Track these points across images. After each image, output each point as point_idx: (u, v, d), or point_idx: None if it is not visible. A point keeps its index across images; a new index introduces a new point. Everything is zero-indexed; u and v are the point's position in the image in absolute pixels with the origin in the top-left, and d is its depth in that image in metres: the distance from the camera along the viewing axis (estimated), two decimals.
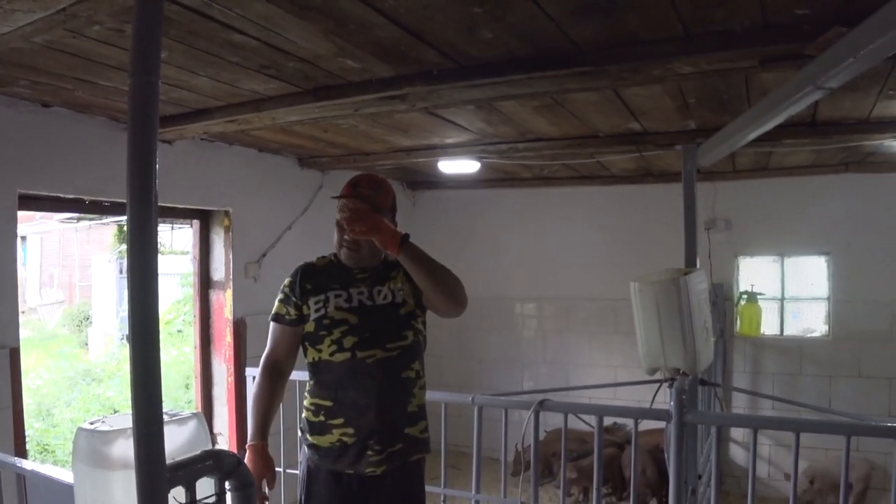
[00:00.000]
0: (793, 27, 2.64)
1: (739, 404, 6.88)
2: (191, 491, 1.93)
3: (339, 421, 2.74)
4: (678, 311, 3.66)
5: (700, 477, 4.72)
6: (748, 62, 2.89)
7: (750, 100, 3.83)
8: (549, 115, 4.24)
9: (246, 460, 2.63)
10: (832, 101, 3.94)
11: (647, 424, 5.40)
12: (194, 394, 5.65)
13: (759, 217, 6.74)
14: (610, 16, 2.59)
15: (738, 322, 6.82)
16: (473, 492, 4.19)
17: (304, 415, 2.89)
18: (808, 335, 6.92)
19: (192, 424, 2.07)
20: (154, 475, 1.63)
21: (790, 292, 6.98)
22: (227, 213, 5.32)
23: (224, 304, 5.36)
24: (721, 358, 6.61)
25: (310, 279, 2.89)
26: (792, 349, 6.75)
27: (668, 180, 6.52)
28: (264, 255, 5.63)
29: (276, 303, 2.90)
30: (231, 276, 5.33)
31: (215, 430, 5.44)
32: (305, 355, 2.88)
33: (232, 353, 5.32)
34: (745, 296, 6.77)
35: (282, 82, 3.48)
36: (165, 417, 1.69)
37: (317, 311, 2.81)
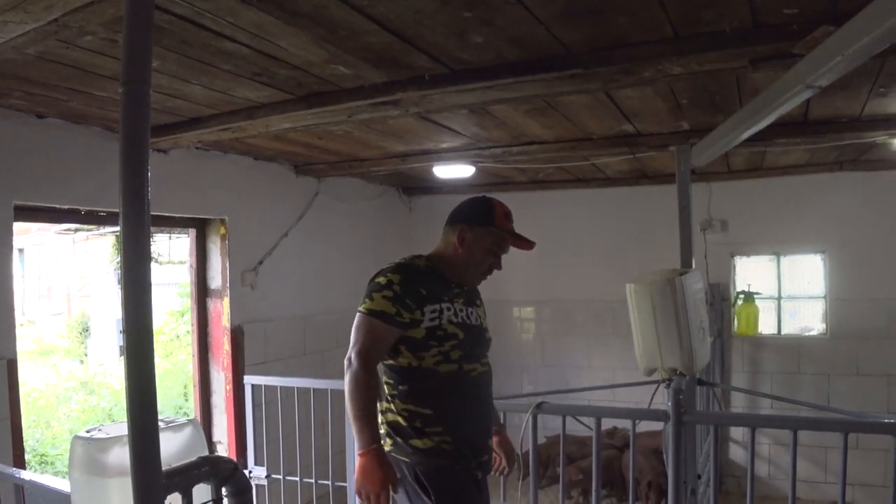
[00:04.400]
0: (781, 27, 2.66)
1: (738, 404, 6.89)
2: (187, 497, 1.94)
3: (438, 429, 2.71)
4: (674, 312, 3.69)
5: (700, 477, 4.72)
6: (738, 62, 2.90)
7: (742, 100, 3.85)
8: (542, 118, 4.25)
9: (364, 467, 2.54)
10: (824, 100, 3.95)
11: (646, 426, 5.43)
12: (193, 403, 5.65)
13: (755, 217, 6.76)
14: (599, 18, 2.60)
15: (736, 322, 6.83)
16: None
17: (389, 419, 2.78)
18: (806, 334, 6.93)
19: (187, 431, 2.08)
20: (150, 482, 1.64)
21: (787, 291, 6.99)
22: (223, 222, 5.34)
23: (221, 312, 5.36)
24: (719, 358, 6.62)
25: (422, 284, 2.77)
26: (790, 348, 6.76)
27: (663, 182, 6.53)
28: (261, 262, 5.63)
29: (380, 299, 2.69)
30: (228, 285, 5.34)
31: (214, 439, 5.44)
32: (395, 358, 2.77)
33: (230, 361, 5.32)
34: (741, 295, 6.78)
35: (274, 90, 3.49)
36: (161, 424, 1.70)
37: (431, 320, 2.73)
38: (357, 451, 2.57)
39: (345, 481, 4.59)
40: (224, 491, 2.12)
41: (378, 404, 2.79)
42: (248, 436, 5.08)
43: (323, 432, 4.77)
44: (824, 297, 6.72)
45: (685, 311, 3.68)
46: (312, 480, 4.78)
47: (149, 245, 1.64)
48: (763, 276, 7.00)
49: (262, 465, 5.02)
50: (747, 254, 6.98)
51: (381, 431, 2.75)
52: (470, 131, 4.61)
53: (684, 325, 3.68)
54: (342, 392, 4.44)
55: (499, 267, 2.95)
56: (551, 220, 7.28)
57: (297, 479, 4.86)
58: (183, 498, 1.94)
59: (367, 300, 2.71)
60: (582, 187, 7.14)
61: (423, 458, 2.68)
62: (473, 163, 5.48)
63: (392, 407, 2.77)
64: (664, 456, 3.69)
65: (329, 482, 4.74)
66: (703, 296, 4.17)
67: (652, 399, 4.32)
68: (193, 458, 1.99)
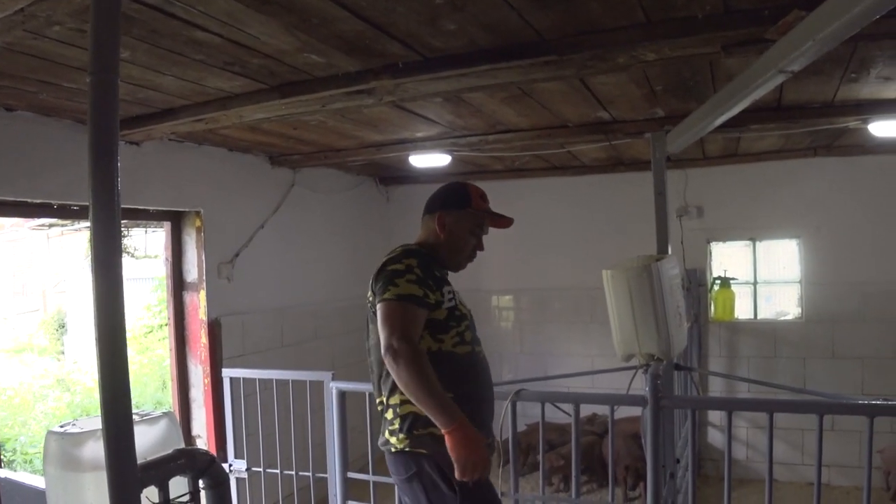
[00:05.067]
0: (753, 12, 2.68)
1: (716, 388, 6.95)
2: (164, 490, 1.93)
3: None
4: (651, 297, 3.70)
5: (679, 461, 4.76)
6: (711, 48, 2.92)
7: (715, 86, 3.87)
8: (518, 105, 4.25)
9: (461, 441, 2.47)
10: (797, 85, 3.98)
11: (626, 412, 5.46)
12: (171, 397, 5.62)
13: (731, 202, 6.81)
14: (570, 3, 2.61)
15: (713, 307, 6.89)
16: None
17: (406, 411, 2.71)
18: (782, 318, 7.00)
19: (163, 424, 2.06)
20: (126, 475, 1.63)
21: (763, 276, 7.05)
22: (198, 214, 5.29)
23: (198, 305, 5.33)
24: (696, 343, 6.67)
25: (435, 267, 2.81)
26: (766, 332, 6.82)
27: (640, 168, 6.56)
28: (237, 254, 5.60)
29: (405, 283, 2.64)
30: (204, 277, 5.30)
31: (194, 433, 5.41)
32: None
33: (207, 354, 5.29)
34: (718, 281, 6.84)
35: (247, 79, 3.47)
36: (136, 417, 1.69)
37: (449, 300, 2.78)
38: (444, 429, 2.49)
39: (325, 472, 4.59)
40: (201, 483, 2.11)
41: (393, 397, 2.75)
42: (228, 429, 5.05)
43: (303, 424, 4.76)
44: (799, 281, 6.78)
45: (661, 297, 3.70)
46: (293, 472, 4.77)
47: (119, 237, 1.62)
48: (739, 262, 7.06)
49: (242, 459, 5.00)
50: (723, 239, 7.02)
51: (395, 426, 2.73)
52: (445, 120, 4.60)
53: (661, 311, 3.69)
54: (320, 383, 4.52)
55: (481, 248, 2.98)
56: (529, 209, 7.28)
57: (278, 471, 4.84)
58: (159, 491, 1.93)
59: (390, 287, 2.63)
60: (559, 175, 7.15)
61: (444, 448, 2.57)
62: (449, 151, 5.47)
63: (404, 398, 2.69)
64: (642, 441, 3.72)
65: (310, 474, 4.73)
66: (679, 281, 4.19)
67: (630, 384, 4.35)
68: (169, 451, 1.98)
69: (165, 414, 2.13)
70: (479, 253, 3.01)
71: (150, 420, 2.10)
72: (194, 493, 2.06)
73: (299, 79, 3.49)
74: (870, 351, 6.43)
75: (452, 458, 2.48)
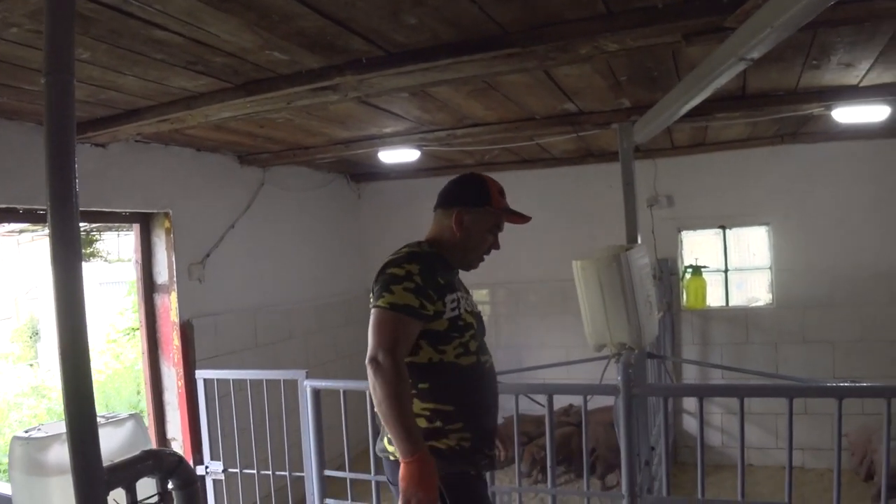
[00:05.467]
0: (712, 1, 2.70)
1: (690, 376, 7.01)
2: (131, 492, 1.92)
3: (458, 426, 2.59)
4: (621, 287, 3.73)
5: (653, 448, 4.80)
6: (672, 37, 2.93)
7: (679, 75, 3.89)
8: (484, 99, 4.26)
9: (414, 475, 2.36)
10: (760, 73, 4.02)
11: (601, 401, 5.49)
12: (145, 400, 5.58)
13: (700, 191, 6.87)
14: None
15: (685, 295, 6.95)
16: None
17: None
18: (753, 304, 7.08)
19: (129, 425, 2.05)
20: (91, 478, 1.62)
21: (733, 263, 7.12)
22: (167, 215, 5.25)
23: (169, 307, 5.28)
24: (669, 331, 6.73)
25: (439, 273, 2.63)
26: (738, 319, 6.89)
27: (609, 160, 6.59)
28: (208, 255, 5.56)
29: (402, 291, 2.49)
30: (175, 279, 5.26)
31: (169, 436, 5.37)
32: (414, 355, 2.57)
33: (180, 356, 5.25)
34: (689, 269, 6.89)
35: (211, 78, 3.44)
36: (101, 420, 1.68)
37: (452, 310, 2.61)
38: (402, 458, 2.38)
39: (302, 471, 4.58)
40: (170, 484, 2.10)
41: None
42: (203, 431, 5.02)
43: (278, 424, 4.74)
44: (770, 268, 6.86)
45: (631, 286, 3.73)
46: (270, 472, 4.76)
47: (78, 238, 1.62)
48: (710, 250, 7.12)
49: (219, 460, 4.97)
50: (694, 228, 7.08)
51: None
52: (412, 115, 4.60)
53: (631, 300, 3.73)
54: (294, 382, 4.51)
55: (497, 247, 2.86)
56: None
57: (255, 471, 4.82)
58: (127, 493, 1.92)
59: (385, 294, 2.49)
60: (529, 168, 7.16)
61: (443, 464, 2.52)
62: (418, 147, 5.47)
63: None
64: (616, 429, 3.75)
65: (287, 473, 4.72)
66: (649, 270, 4.23)
67: (603, 374, 4.38)
68: (137, 453, 1.97)
69: (132, 415, 2.12)
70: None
71: (116, 422, 2.08)
72: (163, 494, 2.06)
73: (263, 76, 3.47)
74: (840, 335, 6.53)
75: (400, 488, 2.39)
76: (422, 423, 2.55)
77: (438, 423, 2.57)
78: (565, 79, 3.90)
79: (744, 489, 3.61)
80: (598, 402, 4.95)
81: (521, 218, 2.88)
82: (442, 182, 7.83)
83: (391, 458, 2.62)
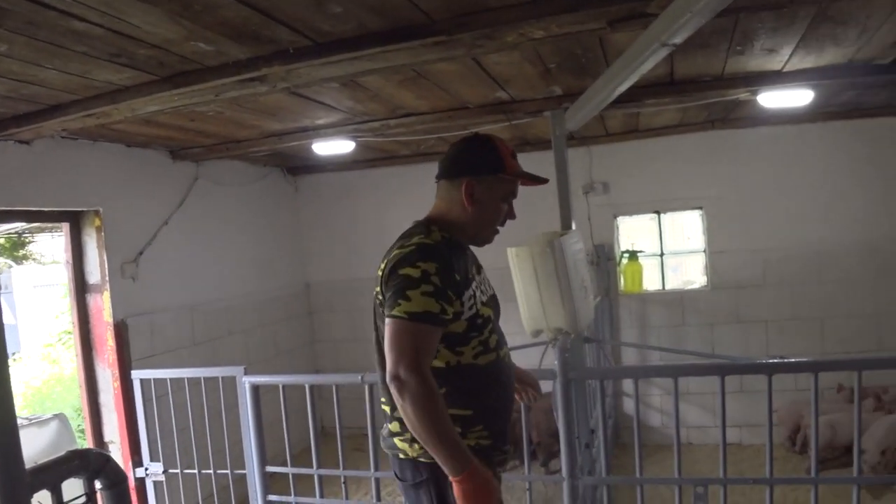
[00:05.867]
0: None
1: (630, 359, 7.13)
2: (57, 493, 1.88)
3: (478, 428, 2.39)
4: (555, 273, 3.77)
5: (593, 431, 4.87)
6: (597, 23, 2.95)
7: (608, 61, 3.93)
8: (416, 88, 4.24)
9: (469, 494, 2.13)
10: (687, 60, 4.09)
11: (543, 387, 5.53)
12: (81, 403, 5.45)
13: (635, 177, 6.97)
14: None
15: (622, 280, 7.06)
16: (372, 470, 4.21)
17: None
18: (689, 287, 7.23)
19: (53, 426, 2.01)
20: (13, 481, 1.59)
21: (669, 247, 7.26)
22: (97, 213, 5.11)
23: (102, 307, 5.16)
24: (608, 316, 6.83)
25: (456, 267, 2.31)
26: (674, 302, 7.03)
27: (544, 147, 6.59)
28: (141, 253, 5.44)
29: (420, 297, 2.19)
30: (107, 278, 5.13)
31: (106, 439, 5.25)
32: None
33: (115, 357, 5.13)
34: (626, 254, 7.01)
35: (136, 70, 3.35)
36: (23, 421, 1.64)
37: (470, 308, 2.34)
38: (453, 478, 2.15)
39: (244, 469, 4.54)
40: (98, 484, 2.06)
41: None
42: (141, 432, 4.93)
43: (218, 422, 4.68)
44: (704, 250, 7.00)
45: (566, 272, 3.77)
46: (211, 471, 4.71)
47: None
48: (646, 235, 7.25)
49: (159, 461, 4.90)
50: (629, 213, 7.18)
51: (407, 436, 2.34)
52: (344, 105, 4.56)
53: (565, 285, 3.77)
54: (233, 379, 4.46)
55: (513, 216, 2.56)
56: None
57: (196, 471, 4.76)
58: (52, 494, 1.88)
59: (402, 301, 2.19)
60: None
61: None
62: (353, 138, 5.43)
63: None
64: (554, 414, 3.79)
65: (228, 472, 4.67)
66: (583, 256, 4.28)
67: (542, 360, 4.43)
68: (62, 453, 1.93)
69: (56, 416, 2.07)
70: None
71: (39, 423, 2.04)
72: (90, 495, 2.01)
73: (190, 68, 3.40)
74: (772, 314, 6.72)
75: None
76: None
77: (458, 428, 2.31)
78: (495, 67, 3.91)
79: (680, 467, 3.68)
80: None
81: (537, 181, 2.57)
82: (378, 173, 7.81)
83: (401, 456, 2.42)
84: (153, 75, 3.47)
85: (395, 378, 2.15)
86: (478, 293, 2.41)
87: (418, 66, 3.63)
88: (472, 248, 2.61)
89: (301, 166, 7.62)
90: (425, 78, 4.02)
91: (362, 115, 4.91)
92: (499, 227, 2.55)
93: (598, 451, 4.74)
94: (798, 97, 4.81)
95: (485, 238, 2.53)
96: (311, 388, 4.35)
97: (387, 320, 2.22)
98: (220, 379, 4.60)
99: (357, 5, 2.72)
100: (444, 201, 2.49)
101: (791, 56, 4.10)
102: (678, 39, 2.69)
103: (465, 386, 2.36)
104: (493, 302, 2.54)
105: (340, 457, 4.31)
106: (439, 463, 2.16)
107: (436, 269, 2.22)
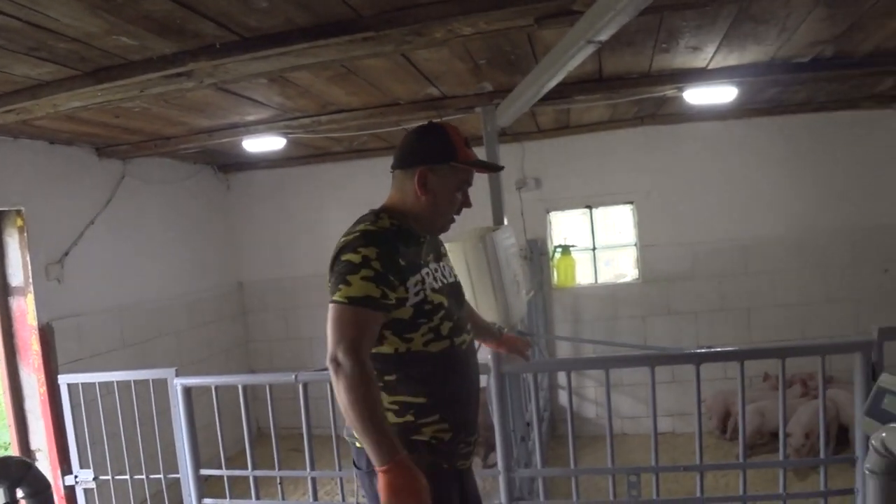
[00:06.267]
0: None
1: (565, 353, 7.22)
2: None
3: (433, 418, 2.35)
4: (487, 267, 3.80)
5: (529, 425, 4.92)
6: (524, 20, 2.99)
7: (537, 58, 3.97)
8: (346, 84, 4.23)
9: (393, 485, 2.07)
10: (614, 57, 4.16)
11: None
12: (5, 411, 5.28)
13: (567, 173, 7.06)
14: None
15: (555, 274, 7.14)
16: (308, 469, 4.17)
17: None
18: (621, 280, 7.35)
19: None
20: None
21: (601, 242, 7.37)
22: (19, 213, 4.94)
23: (26, 310, 5.00)
24: (542, 310, 6.90)
25: (399, 253, 2.30)
26: (607, 295, 7.14)
27: (477, 144, 6.62)
28: (66, 253, 5.29)
29: (359, 282, 2.19)
30: (31, 280, 4.97)
31: (33, 447, 5.10)
32: (378, 345, 2.31)
33: (41, 362, 4.98)
34: (559, 249, 7.09)
35: (56, 65, 3.26)
36: None
37: (416, 294, 2.32)
38: (377, 468, 2.10)
39: (177, 473, 4.45)
40: (19, 493, 2.01)
41: None
42: (70, 439, 4.80)
43: (150, 426, 4.58)
44: (635, 244, 7.13)
45: (498, 266, 3.81)
46: (144, 477, 4.61)
47: None
48: (578, 229, 7.35)
49: (89, 468, 4.77)
50: (562, 208, 7.27)
51: None
52: (274, 101, 4.51)
53: (498, 280, 3.80)
54: (164, 381, 4.37)
55: (468, 204, 2.55)
56: (372, 189, 7.16)
57: (128, 477, 4.66)
58: None
59: (341, 286, 2.20)
60: None
61: (413, 455, 2.24)
62: (283, 134, 5.37)
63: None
64: (489, 408, 3.82)
65: (161, 476, 4.58)
66: (515, 251, 4.32)
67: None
68: None
69: None
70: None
71: None
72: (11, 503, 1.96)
73: (113, 63, 3.32)
74: (702, 305, 6.89)
75: (381, 501, 2.12)
76: (390, 417, 2.31)
77: (409, 417, 2.34)
78: (425, 63, 3.92)
79: (614, 457, 3.75)
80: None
81: (490, 169, 2.67)
82: (312, 170, 7.74)
83: (358, 444, 2.38)
84: (75, 70, 3.38)
85: (333, 360, 2.15)
86: (428, 280, 2.40)
87: (348, 62, 3.62)
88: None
89: (233, 164, 7.50)
90: (355, 74, 4.01)
91: (293, 112, 4.86)
92: (454, 217, 2.55)
93: (533, 443, 4.79)
94: (723, 94, 4.94)
95: (440, 227, 2.53)
96: (245, 388, 4.30)
97: (329, 306, 2.22)
98: (151, 382, 4.50)
99: (284, 0, 2.69)
100: (398, 191, 2.49)
101: (715, 54, 4.21)
102: (603, 37, 2.74)
103: (416, 373, 2.34)
104: (450, 290, 2.52)
105: (276, 457, 4.27)
106: (366, 450, 2.14)
107: (376, 255, 2.22)
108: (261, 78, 3.70)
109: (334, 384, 2.17)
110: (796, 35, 3.87)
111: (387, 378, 2.34)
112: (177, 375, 4.37)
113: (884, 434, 1.75)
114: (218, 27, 2.92)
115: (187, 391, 4.35)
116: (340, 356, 2.13)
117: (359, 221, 2.40)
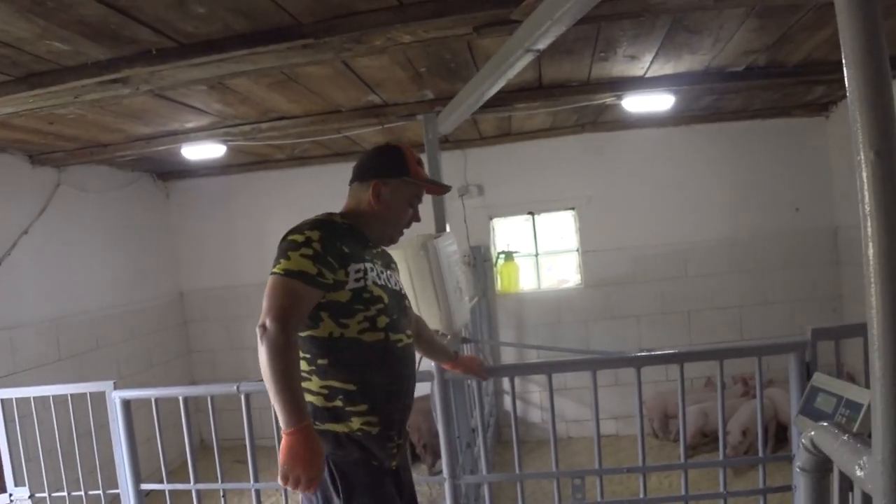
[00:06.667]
0: None
1: (509, 358, 7.26)
2: None
3: (362, 408, 2.42)
4: (429, 274, 3.81)
5: (474, 431, 4.94)
6: (463, 29, 3.02)
7: (477, 66, 4.01)
8: (286, 91, 4.20)
9: (292, 448, 2.17)
10: (554, 65, 4.23)
11: (422, 389, 5.57)
12: None
13: (509, 180, 7.13)
14: None
15: (499, 280, 7.20)
16: (252, 481, 4.12)
17: (307, 399, 2.41)
18: (563, 286, 7.43)
19: None
20: None
21: (543, 248, 7.44)
22: None
23: None
24: (486, 316, 6.94)
25: (343, 241, 2.44)
26: (550, 301, 7.22)
27: (420, 151, 6.64)
28: None
29: (298, 258, 2.31)
30: None
31: None
32: (314, 328, 2.41)
33: None
34: (502, 255, 7.15)
35: None
36: None
37: (356, 280, 2.43)
38: (284, 430, 2.20)
39: (117, 488, 4.35)
40: None
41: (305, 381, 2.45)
42: (4, 456, 4.65)
43: (88, 440, 4.47)
44: (577, 250, 7.23)
45: (440, 273, 3.81)
46: (82, 493, 4.49)
47: None
48: (521, 235, 7.42)
49: (24, 486, 4.63)
50: (504, 215, 7.34)
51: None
52: (213, 108, 4.46)
53: (440, 287, 3.81)
54: (102, 395, 4.27)
55: (418, 219, 2.73)
56: (314, 196, 7.14)
57: (65, 494, 4.53)
58: None
59: (282, 260, 2.33)
60: (341, 161, 7.07)
61: (339, 450, 2.41)
62: (223, 141, 5.30)
63: (309, 387, 2.43)
64: (433, 415, 3.82)
65: (100, 492, 4.47)
66: (458, 257, 4.33)
67: (420, 362, 4.44)
68: None
69: None
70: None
71: None
72: None
73: (46, 69, 3.26)
74: (643, 309, 7.03)
75: (279, 462, 2.22)
76: (319, 401, 2.42)
77: (338, 403, 2.42)
78: (366, 70, 3.92)
79: (558, 461, 3.78)
80: (419, 390, 5.02)
81: (440, 188, 2.80)
82: (253, 177, 7.65)
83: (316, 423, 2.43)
84: (6, 75, 3.31)
85: (261, 326, 2.26)
86: (371, 274, 2.51)
87: (288, 70, 3.61)
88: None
89: (172, 171, 7.37)
90: (296, 81, 3.99)
91: (233, 119, 4.82)
92: (404, 229, 2.72)
93: (479, 449, 4.81)
94: (660, 101, 5.05)
95: (389, 237, 2.70)
96: (186, 400, 4.22)
97: (268, 278, 2.35)
98: (89, 395, 4.38)
99: (222, 7, 2.68)
100: (353, 200, 2.66)
101: (652, 62, 4.30)
102: (541, 45, 2.78)
103: (348, 360, 2.43)
104: (393, 293, 2.63)
105: (219, 470, 4.19)
106: (277, 412, 2.23)
107: (319, 237, 2.36)
108: (199, 85, 3.66)
109: (259, 349, 2.26)
110: (730, 45, 3.98)
111: (319, 362, 2.43)
112: (115, 388, 4.26)
113: (812, 433, 1.79)
114: (154, 33, 2.88)
115: (126, 404, 4.24)
116: (268, 322, 2.24)
117: (315, 216, 2.54)
